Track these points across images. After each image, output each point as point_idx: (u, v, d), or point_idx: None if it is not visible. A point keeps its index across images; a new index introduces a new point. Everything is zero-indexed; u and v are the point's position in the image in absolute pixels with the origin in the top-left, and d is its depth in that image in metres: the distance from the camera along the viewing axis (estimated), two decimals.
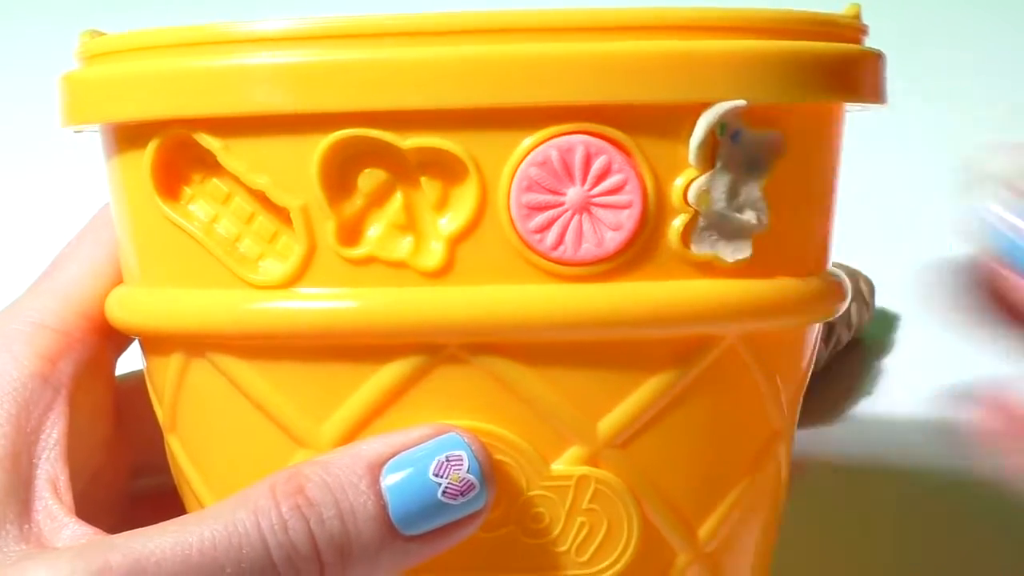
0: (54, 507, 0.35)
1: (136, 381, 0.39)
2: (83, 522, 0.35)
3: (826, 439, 0.39)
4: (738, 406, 0.35)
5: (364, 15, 0.33)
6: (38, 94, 0.42)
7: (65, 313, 0.38)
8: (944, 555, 0.45)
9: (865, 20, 0.36)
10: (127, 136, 0.35)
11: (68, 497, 0.36)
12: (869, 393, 0.49)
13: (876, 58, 0.36)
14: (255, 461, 0.35)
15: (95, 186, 0.38)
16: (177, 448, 0.37)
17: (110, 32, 0.38)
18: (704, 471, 0.35)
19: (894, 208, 0.41)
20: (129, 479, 0.41)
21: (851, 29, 0.36)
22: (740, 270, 0.34)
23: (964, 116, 0.40)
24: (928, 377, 0.48)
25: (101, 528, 0.35)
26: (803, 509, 0.38)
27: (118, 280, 0.38)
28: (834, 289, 0.36)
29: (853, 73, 0.35)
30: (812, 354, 0.37)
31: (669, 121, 0.33)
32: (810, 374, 0.38)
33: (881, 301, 0.37)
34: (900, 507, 0.48)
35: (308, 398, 0.34)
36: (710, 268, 0.33)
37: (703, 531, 0.35)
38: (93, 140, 0.37)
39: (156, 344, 0.36)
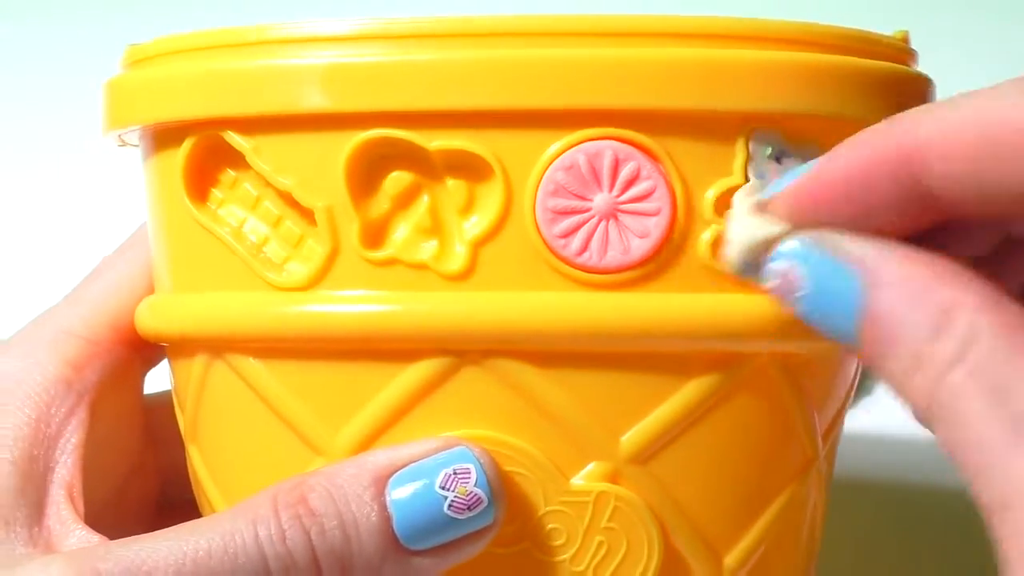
0: (66, 513, 0.35)
1: (167, 401, 0.39)
2: (91, 529, 0.34)
3: None
4: (768, 430, 0.34)
5: (391, 17, 0.33)
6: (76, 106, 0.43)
7: (94, 322, 0.37)
8: (945, 556, 0.44)
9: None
10: (160, 138, 0.35)
11: (80, 504, 0.35)
12: (869, 393, 0.48)
13: (923, 82, 0.35)
14: (272, 470, 0.34)
15: (134, 199, 0.38)
16: (196, 458, 0.36)
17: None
18: (730, 495, 0.34)
19: None
20: (157, 495, 0.40)
21: (898, 50, 0.35)
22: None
23: None
24: None
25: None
26: None
27: (151, 290, 0.38)
28: None
29: (896, 93, 0.34)
30: (851, 388, 0.36)
31: (701, 129, 0.32)
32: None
33: None
34: (900, 506, 0.47)
35: (325, 403, 0.33)
36: (740, 283, 0.32)
37: (730, 559, 0.34)
38: (131, 154, 0.38)
39: (180, 349, 0.36)
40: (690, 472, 0.33)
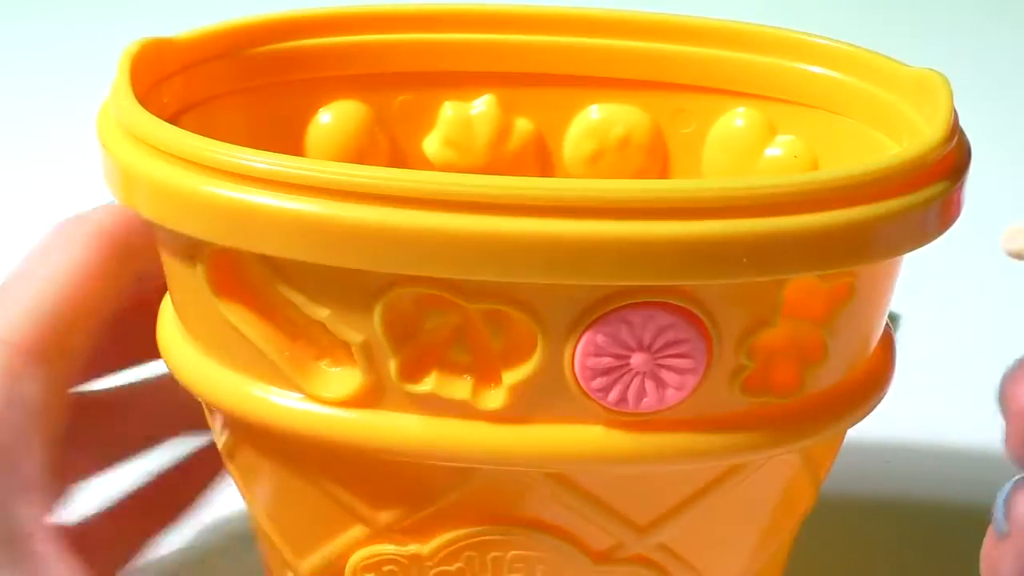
0: (45, 546, 0.34)
1: None
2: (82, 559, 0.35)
3: None
4: (780, 495, 0.37)
5: (435, 176, 0.31)
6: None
7: (31, 330, 0.36)
8: (945, 558, 0.47)
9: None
10: (177, 238, 0.34)
11: (56, 531, 0.35)
12: None
13: (958, 189, 0.34)
14: (315, 518, 0.36)
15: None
16: (235, 474, 0.38)
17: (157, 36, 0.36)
18: (742, 549, 0.37)
19: None
20: None
21: (938, 153, 0.33)
22: (794, 403, 0.34)
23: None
24: (928, 377, 0.49)
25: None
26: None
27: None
28: (883, 365, 0.36)
29: (934, 219, 0.33)
30: None
31: (741, 293, 0.32)
32: None
33: None
34: (900, 507, 0.50)
35: (366, 491, 0.35)
36: (766, 405, 0.34)
37: None
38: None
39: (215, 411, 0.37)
40: (708, 542, 0.36)
